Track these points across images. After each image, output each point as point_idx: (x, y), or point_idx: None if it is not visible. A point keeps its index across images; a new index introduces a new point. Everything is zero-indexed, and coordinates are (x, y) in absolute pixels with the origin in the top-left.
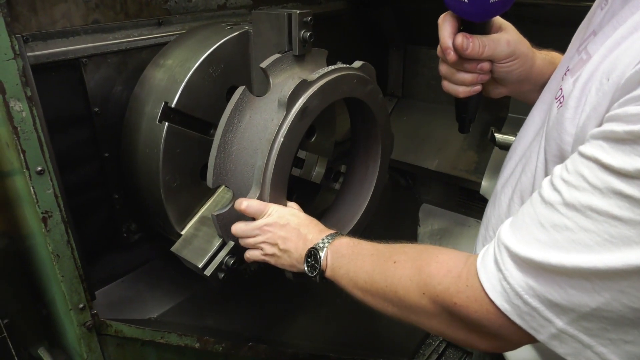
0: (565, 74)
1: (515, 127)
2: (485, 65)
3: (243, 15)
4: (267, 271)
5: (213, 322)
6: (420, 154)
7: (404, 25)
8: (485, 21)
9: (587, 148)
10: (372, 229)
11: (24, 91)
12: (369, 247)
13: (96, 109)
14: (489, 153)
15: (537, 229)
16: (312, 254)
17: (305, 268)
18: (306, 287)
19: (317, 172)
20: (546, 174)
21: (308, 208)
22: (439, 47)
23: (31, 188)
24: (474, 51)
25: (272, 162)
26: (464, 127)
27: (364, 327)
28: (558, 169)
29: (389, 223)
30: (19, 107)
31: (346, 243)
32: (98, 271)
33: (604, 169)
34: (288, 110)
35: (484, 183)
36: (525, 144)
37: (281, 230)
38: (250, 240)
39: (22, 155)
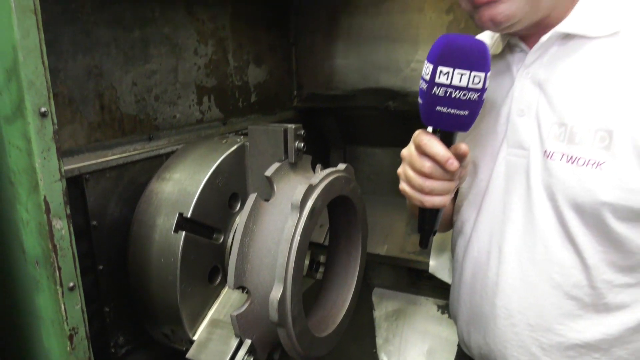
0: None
1: None
2: (464, 170)
3: (216, 127)
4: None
5: None
6: (370, 241)
7: (344, 128)
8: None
9: None
10: None
11: (65, 209)
12: None
13: (94, 223)
14: None
15: None
16: None
17: None
18: None
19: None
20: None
21: None
22: (426, 165)
23: (62, 305)
24: (466, 154)
25: (292, 259)
26: (427, 241)
27: None
28: None
29: None
30: (60, 225)
31: None
32: None
33: None
34: (300, 212)
35: (432, 262)
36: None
37: None
38: None
39: (57, 272)
